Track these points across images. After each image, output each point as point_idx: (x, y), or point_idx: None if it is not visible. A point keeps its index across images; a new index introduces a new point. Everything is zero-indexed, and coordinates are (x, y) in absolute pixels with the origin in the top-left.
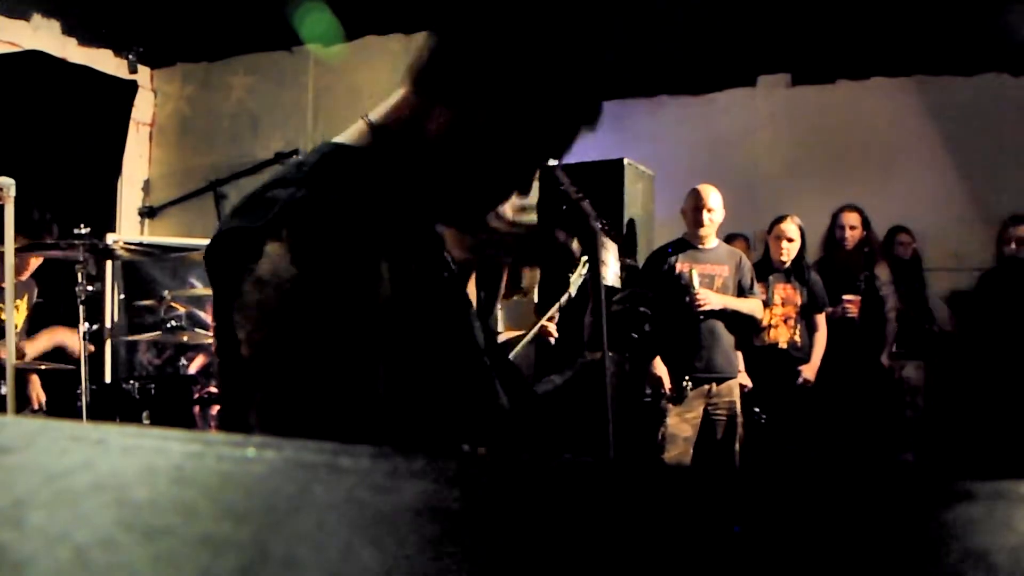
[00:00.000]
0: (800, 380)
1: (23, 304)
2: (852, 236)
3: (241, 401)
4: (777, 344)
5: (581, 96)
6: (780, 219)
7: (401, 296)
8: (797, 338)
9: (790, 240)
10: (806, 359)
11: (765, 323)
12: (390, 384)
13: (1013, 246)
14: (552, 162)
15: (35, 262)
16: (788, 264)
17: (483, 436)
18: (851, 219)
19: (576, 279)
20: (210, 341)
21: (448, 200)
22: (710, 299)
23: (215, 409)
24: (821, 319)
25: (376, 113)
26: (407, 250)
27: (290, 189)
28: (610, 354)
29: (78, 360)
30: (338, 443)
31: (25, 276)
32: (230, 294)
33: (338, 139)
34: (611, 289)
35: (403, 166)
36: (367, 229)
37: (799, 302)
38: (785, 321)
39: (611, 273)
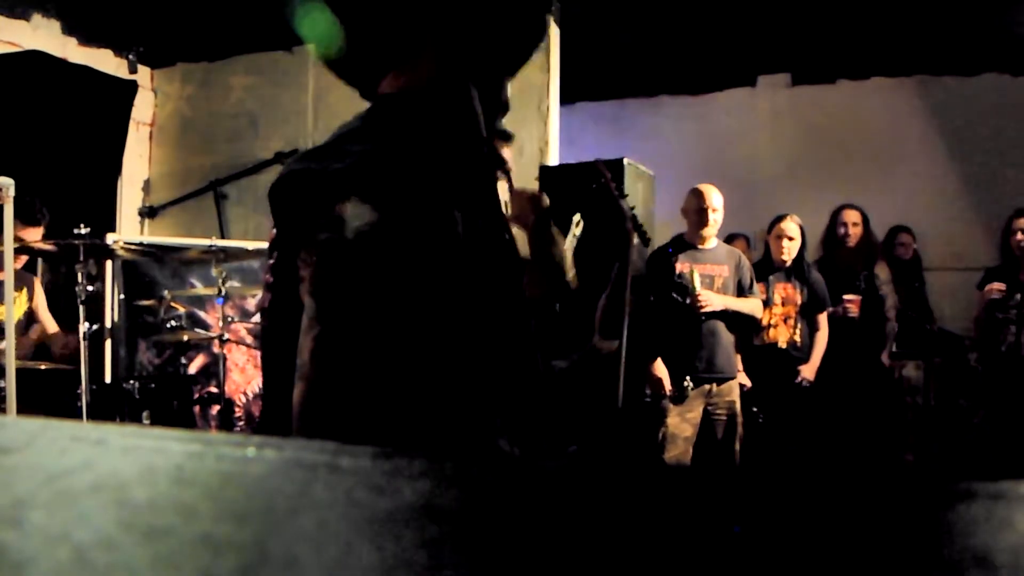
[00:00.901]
0: (799, 380)
1: (22, 296)
2: (853, 234)
3: (288, 338)
4: (777, 344)
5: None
6: (780, 218)
7: (472, 246)
8: (797, 338)
9: (791, 239)
10: (806, 359)
11: (765, 323)
12: (448, 334)
13: (1019, 236)
14: (595, 160)
15: (20, 257)
16: (789, 263)
17: (522, 398)
18: (852, 217)
19: (569, 240)
20: (210, 341)
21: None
22: (711, 300)
23: (215, 409)
24: (823, 318)
25: (389, 86)
26: (475, 203)
27: (363, 143)
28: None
29: (60, 357)
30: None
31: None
32: (298, 233)
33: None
34: (636, 279)
35: (436, 113)
36: (437, 177)
37: (799, 301)
38: (785, 321)
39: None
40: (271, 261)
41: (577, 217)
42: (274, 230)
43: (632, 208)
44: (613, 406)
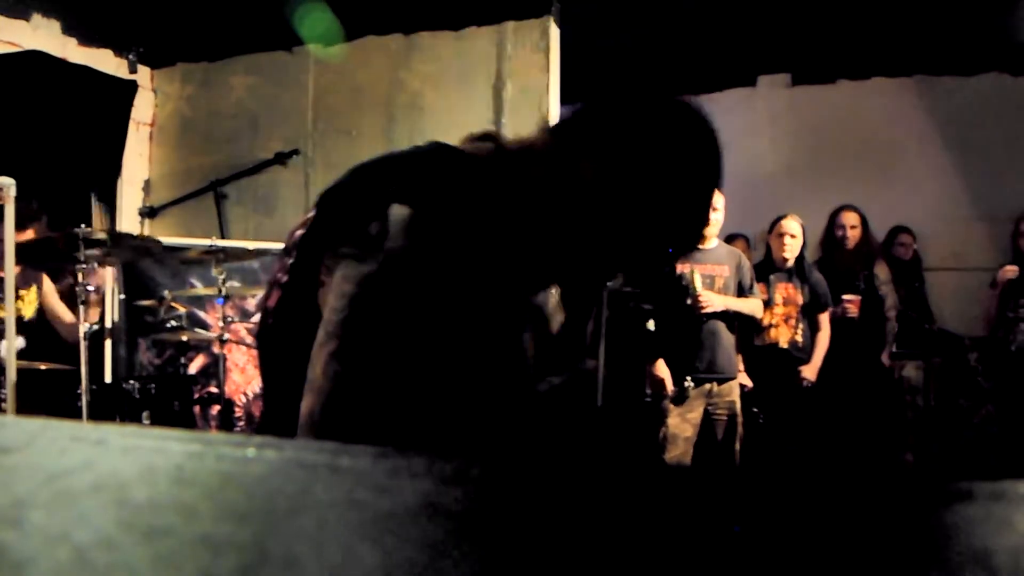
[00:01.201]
0: (801, 380)
1: (31, 294)
2: (852, 235)
3: (297, 344)
4: (778, 344)
5: (690, 218)
6: (781, 217)
7: (489, 291)
8: (798, 338)
9: (793, 236)
10: (807, 359)
11: (766, 323)
12: (465, 361)
13: None
14: None
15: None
16: (790, 262)
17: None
18: (850, 219)
19: None
20: (210, 341)
21: (571, 256)
22: (712, 301)
23: (215, 409)
24: (824, 318)
25: (504, 138)
26: (506, 285)
27: (427, 185)
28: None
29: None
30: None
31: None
32: (334, 240)
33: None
34: (613, 293)
35: (528, 196)
36: (486, 247)
37: (800, 302)
38: (786, 321)
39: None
40: (290, 260)
41: None
42: (299, 232)
43: None
44: (592, 414)
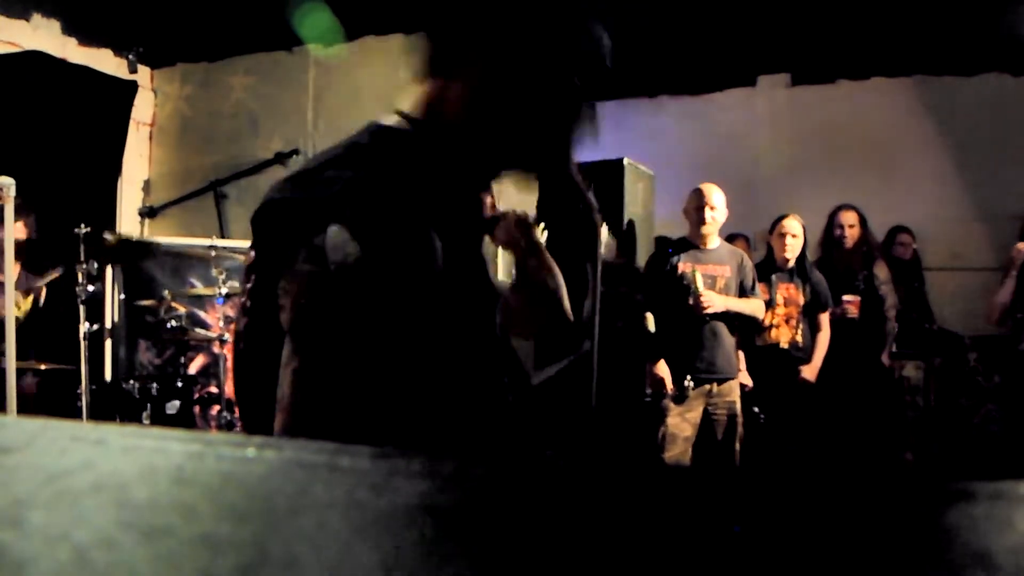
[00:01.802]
0: (801, 380)
1: (28, 301)
2: (851, 235)
3: (267, 366)
4: (778, 344)
5: (574, 43)
6: (783, 217)
7: (451, 270)
8: (799, 338)
9: (794, 236)
10: (807, 359)
11: (767, 323)
12: (425, 364)
13: None
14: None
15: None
16: (792, 262)
17: (487, 415)
18: (849, 218)
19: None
20: (210, 341)
21: (501, 154)
22: (714, 301)
23: (215, 409)
24: (824, 318)
25: (407, 107)
26: (456, 227)
27: (345, 170)
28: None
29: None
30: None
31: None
32: (279, 260)
33: (382, 122)
34: (607, 265)
35: (442, 146)
36: (420, 208)
37: (801, 302)
38: (787, 321)
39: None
40: (248, 285)
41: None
42: (252, 252)
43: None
44: (588, 406)
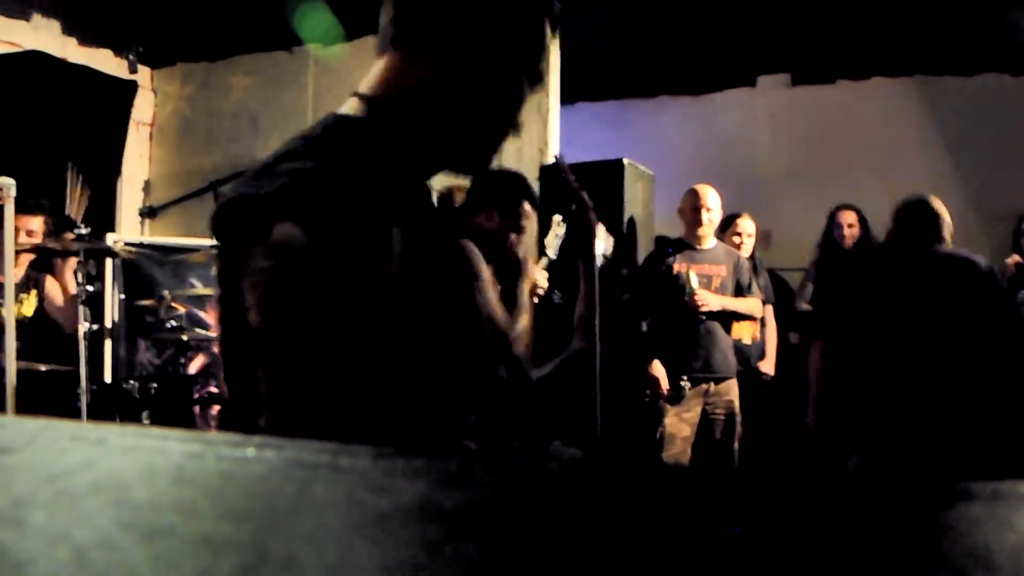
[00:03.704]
0: (762, 375)
1: (32, 297)
2: (851, 235)
3: (247, 368)
4: (742, 340)
5: (529, 31)
6: (736, 215)
7: (413, 262)
8: (757, 335)
9: (749, 235)
10: (760, 355)
11: None
12: (395, 351)
13: None
14: (555, 156)
15: (26, 256)
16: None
17: (481, 403)
18: (848, 217)
19: (552, 240)
20: (210, 341)
21: (445, 146)
22: (708, 300)
23: (215, 409)
24: (770, 314)
25: (364, 86)
26: (416, 217)
27: (298, 162)
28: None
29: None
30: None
31: (21, 268)
32: (238, 260)
33: (338, 111)
34: (606, 262)
35: (398, 129)
36: (376, 197)
37: (761, 298)
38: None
39: (599, 250)
40: (218, 293)
41: (558, 218)
42: (216, 258)
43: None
44: (592, 401)
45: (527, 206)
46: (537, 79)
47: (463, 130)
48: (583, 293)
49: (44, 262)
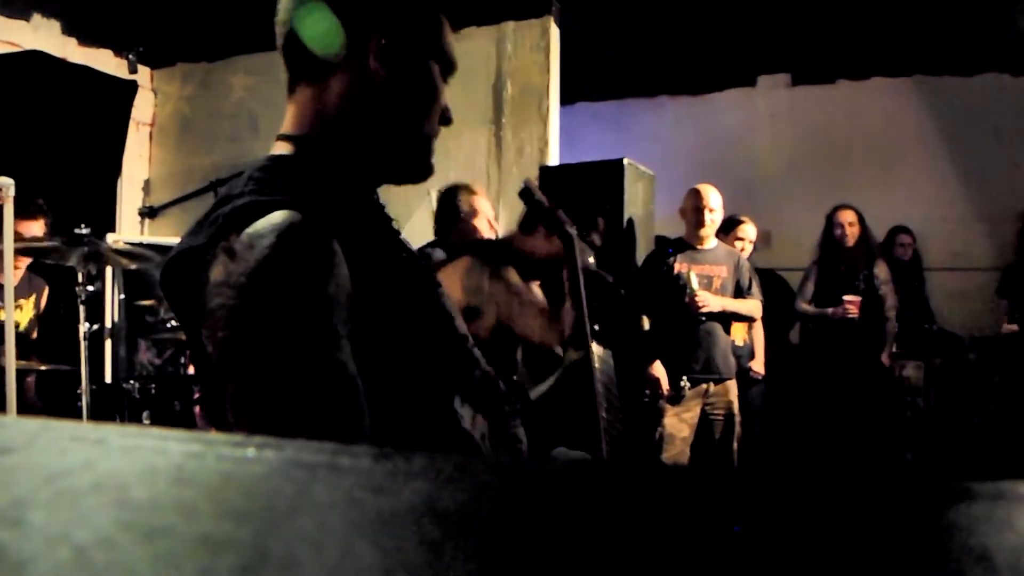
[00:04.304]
0: (752, 375)
1: (29, 303)
2: (851, 233)
3: (218, 404)
4: (734, 342)
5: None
6: (740, 221)
7: (359, 272)
8: (746, 336)
9: (752, 242)
10: (750, 356)
11: None
12: (362, 359)
13: None
14: (524, 182)
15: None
16: None
17: (468, 400)
18: (848, 217)
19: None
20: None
21: (381, 158)
22: (709, 301)
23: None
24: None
25: (286, 128)
26: (356, 230)
27: (229, 204)
28: (598, 349)
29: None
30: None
31: (20, 271)
32: (192, 311)
33: (269, 154)
34: (593, 276)
35: (330, 157)
36: (313, 216)
37: (760, 300)
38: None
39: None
40: (188, 349)
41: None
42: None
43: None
44: (592, 408)
45: (570, 229)
46: (445, 59)
47: (390, 142)
48: (569, 295)
49: (44, 266)
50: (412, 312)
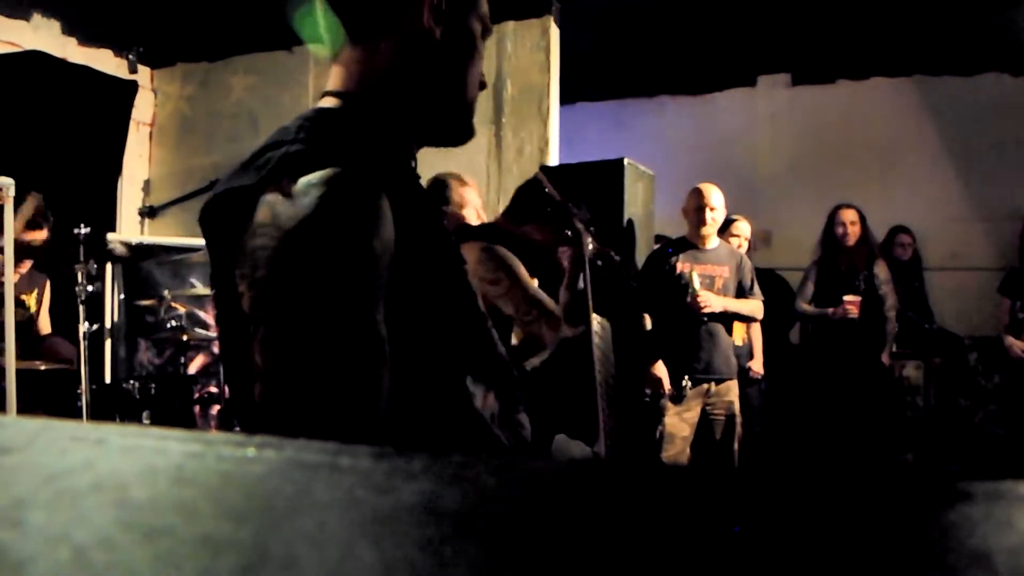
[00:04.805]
0: (752, 375)
1: (32, 297)
2: (852, 232)
3: (244, 358)
4: (733, 342)
5: None
6: (733, 219)
7: (401, 234)
8: (745, 336)
9: (747, 239)
10: (749, 356)
11: None
12: (392, 321)
13: None
14: (537, 173)
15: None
16: None
17: (482, 380)
18: (849, 216)
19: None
20: (210, 341)
21: (429, 117)
22: (711, 302)
23: (215, 409)
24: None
25: (333, 84)
26: (401, 192)
27: (282, 148)
28: (598, 320)
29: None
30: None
31: (24, 268)
32: (230, 252)
33: (316, 106)
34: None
35: (376, 116)
36: (365, 172)
37: (762, 300)
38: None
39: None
40: (213, 292)
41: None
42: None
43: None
44: (591, 386)
45: (577, 222)
46: (485, 21)
47: (438, 102)
48: (568, 280)
49: (45, 266)
50: (442, 284)
